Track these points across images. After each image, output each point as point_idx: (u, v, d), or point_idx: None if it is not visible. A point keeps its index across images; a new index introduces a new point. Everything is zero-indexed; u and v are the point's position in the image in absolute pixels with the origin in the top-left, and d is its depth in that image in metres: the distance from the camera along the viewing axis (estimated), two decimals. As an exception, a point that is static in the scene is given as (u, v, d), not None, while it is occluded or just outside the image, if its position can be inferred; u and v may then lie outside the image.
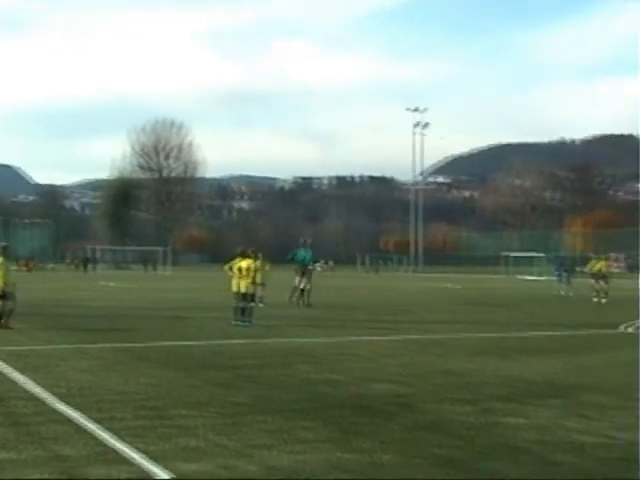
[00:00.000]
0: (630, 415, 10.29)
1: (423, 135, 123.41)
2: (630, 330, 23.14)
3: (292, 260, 33.09)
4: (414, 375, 13.71)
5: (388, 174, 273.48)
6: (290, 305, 31.12)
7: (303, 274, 32.29)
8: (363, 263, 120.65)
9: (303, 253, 33.21)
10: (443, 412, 10.43)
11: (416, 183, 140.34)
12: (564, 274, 48.49)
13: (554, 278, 51.05)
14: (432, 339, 20.27)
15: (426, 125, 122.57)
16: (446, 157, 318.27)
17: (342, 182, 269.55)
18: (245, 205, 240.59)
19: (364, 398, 11.39)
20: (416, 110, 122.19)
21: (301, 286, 32.09)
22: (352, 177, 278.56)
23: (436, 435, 9.05)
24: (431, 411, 10.49)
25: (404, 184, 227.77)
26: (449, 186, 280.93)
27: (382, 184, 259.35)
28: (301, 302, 31.64)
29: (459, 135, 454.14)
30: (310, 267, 33.13)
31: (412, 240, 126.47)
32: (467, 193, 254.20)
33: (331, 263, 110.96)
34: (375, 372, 14.05)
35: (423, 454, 8.17)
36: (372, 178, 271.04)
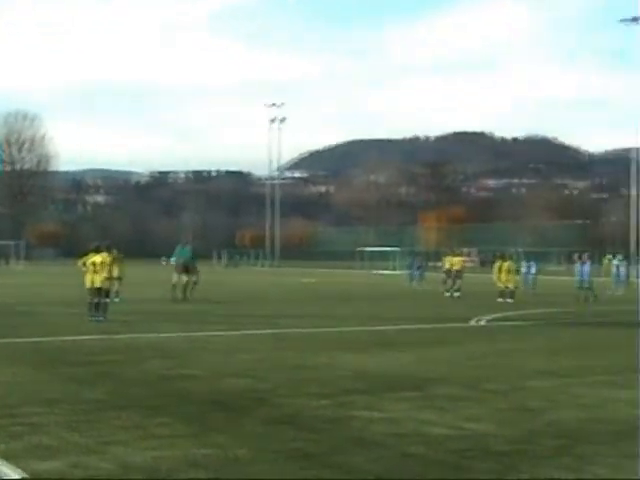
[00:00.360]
0: (480, 406, 10.54)
1: (280, 130, 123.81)
2: (482, 323, 23.72)
3: (171, 257, 33.87)
4: (270, 370, 13.73)
5: (246, 169, 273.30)
6: (175, 302, 31.08)
7: (186, 271, 32.69)
8: (219, 258, 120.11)
9: (184, 251, 33.70)
10: (299, 406, 10.47)
11: (272, 178, 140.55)
12: (417, 269, 49.36)
13: (407, 272, 51.97)
14: (288, 333, 20.35)
15: (283, 120, 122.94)
16: (302, 153, 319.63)
17: (198, 177, 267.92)
18: (100, 199, 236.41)
19: (220, 393, 11.34)
20: (273, 105, 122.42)
21: (184, 281, 32.49)
22: (208, 172, 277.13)
23: (291, 429, 9.08)
24: (287, 405, 10.52)
25: (261, 179, 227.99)
26: (305, 181, 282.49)
27: (239, 179, 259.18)
28: (187, 295, 32.01)
29: (316, 131, 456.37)
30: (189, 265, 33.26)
31: (268, 235, 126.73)
32: (323, 188, 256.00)
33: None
34: (231, 367, 14.02)
35: (278, 448, 8.17)
36: (228, 173, 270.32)
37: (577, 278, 37.54)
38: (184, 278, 32.59)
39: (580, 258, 38.51)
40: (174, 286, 32.59)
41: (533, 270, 44.72)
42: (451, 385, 12.27)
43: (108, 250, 24.16)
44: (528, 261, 47.14)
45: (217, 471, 7.38)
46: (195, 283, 32.89)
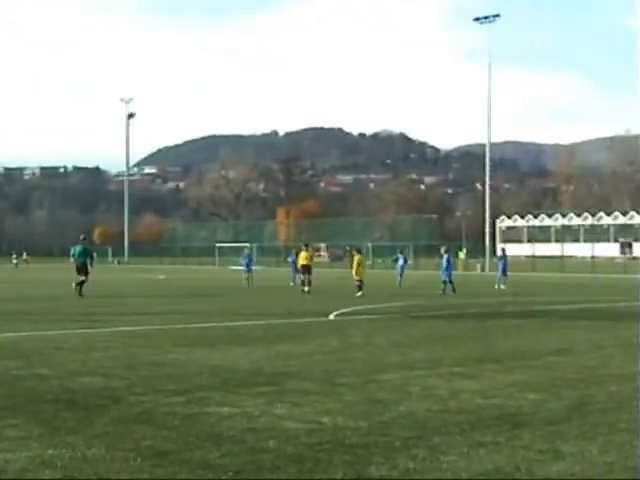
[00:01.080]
0: (334, 400, 10.60)
1: (133, 126, 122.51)
2: (334, 318, 23.89)
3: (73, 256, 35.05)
4: (123, 367, 13.52)
5: (99, 165, 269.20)
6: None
7: (78, 270, 34.48)
8: (65, 255, 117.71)
9: (76, 250, 35.09)
10: (152, 404, 10.33)
11: (122, 174, 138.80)
12: (246, 264, 47.97)
13: (258, 268, 51.45)
14: (140, 330, 20.10)
15: (132, 115, 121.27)
16: (159, 148, 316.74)
17: (48, 173, 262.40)
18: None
19: (72, 392, 11.10)
20: (128, 101, 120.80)
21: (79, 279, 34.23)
22: (57, 168, 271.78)
23: (145, 427, 8.95)
24: (140, 403, 10.37)
25: (114, 175, 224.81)
26: (159, 177, 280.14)
27: (91, 175, 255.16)
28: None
29: (171, 126, 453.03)
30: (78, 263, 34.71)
31: (120, 231, 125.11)
32: (177, 184, 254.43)
33: (26, 256, 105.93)
34: (84, 365, 13.75)
35: (130, 446, 8.05)
36: (78, 169, 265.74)
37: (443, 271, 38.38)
38: (80, 277, 34.28)
39: (447, 252, 39.35)
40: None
41: (401, 263, 44.93)
42: (305, 380, 12.31)
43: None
44: (399, 254, 47.17)
45: (68, 471, 7.22)
46: (83, 282, 34.18)
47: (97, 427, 8.94)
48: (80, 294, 33.43)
